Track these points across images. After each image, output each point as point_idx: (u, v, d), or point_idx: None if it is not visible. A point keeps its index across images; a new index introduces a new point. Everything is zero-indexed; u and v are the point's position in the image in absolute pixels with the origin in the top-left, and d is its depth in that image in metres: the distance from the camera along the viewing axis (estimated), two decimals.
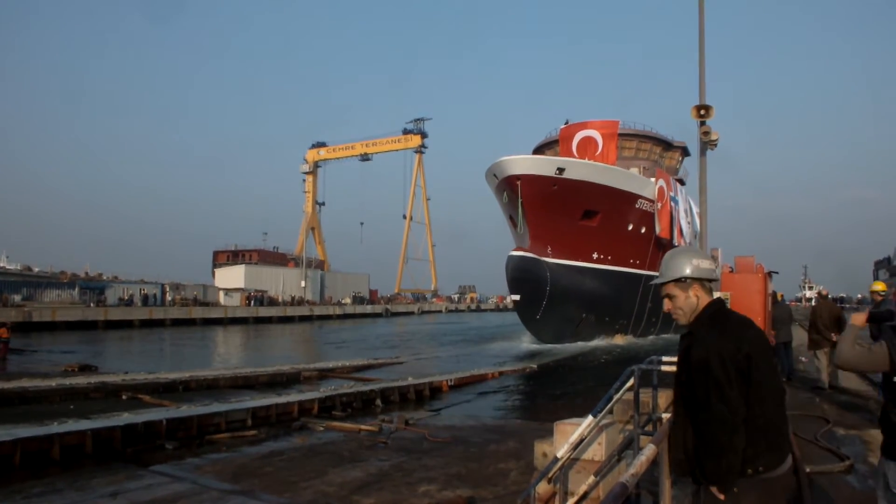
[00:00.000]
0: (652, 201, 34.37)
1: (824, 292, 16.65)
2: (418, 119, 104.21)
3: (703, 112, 10.76)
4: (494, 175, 30.76)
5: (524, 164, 29.58)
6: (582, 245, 30.70)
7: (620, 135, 37.80)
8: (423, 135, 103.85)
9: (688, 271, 2.65)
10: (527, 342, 35.44)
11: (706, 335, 2.48)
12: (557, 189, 29.18)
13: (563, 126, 38.18)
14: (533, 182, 28.80)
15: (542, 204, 29.16)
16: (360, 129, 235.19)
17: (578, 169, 30.12)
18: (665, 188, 35.07)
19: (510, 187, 29.32)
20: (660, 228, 34.69)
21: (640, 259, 33.92)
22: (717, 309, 2.60)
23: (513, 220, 31.03)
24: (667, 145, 43.96)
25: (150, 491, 7.48)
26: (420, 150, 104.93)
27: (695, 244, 30.23)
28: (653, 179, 35.29)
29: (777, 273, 11.15)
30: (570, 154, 35.39)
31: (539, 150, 43.86)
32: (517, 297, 31.78)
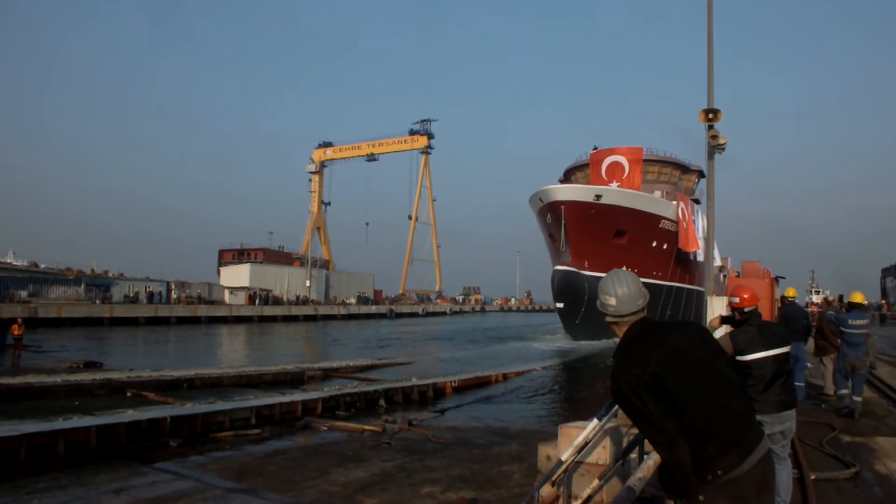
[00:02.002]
0: (673, 221, 38.92)
1: (830, 298, 16.61)
2: (424, 120, 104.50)
3: (711, 116, 10.72)
4: (540, 199, 35.10)
5: (567, 192, 34.51)
6: (614, 260, 34.05)
7: (644, 160, 42.49)
8: (430, 136, 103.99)
9: (600, 308, 2.72)
10: (538, 343, 37.50)
11: (616, 366, 2.48)
12: (595, 213, 33.64)
13: (592, 151, 43.10)
14: (574, 207, 33.30)
15: (582, 225, 33.49)
16: (367, 130, 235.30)
17: (612, 196, 34.85)
18: (686, 210, 39.56)
19: (554, 211, 33.64)
20: (682, 244, 39.20)
21: (662, 272, 38.54)
22: (629, 336, 2.58)
23: (553, 237, 35.53)
24: (685, 169, 49.12)
25: (154, 488, 7.50)
26: (426, 150, 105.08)
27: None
28: (674, 202, 39.85)
29: (784, 278, 11.13)
30: (600, 177, 40.34)
31: (570, 172, 49.48)
32: (561, 305, 35.94)
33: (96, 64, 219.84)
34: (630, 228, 35.87)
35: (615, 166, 40.67)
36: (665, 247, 38.85)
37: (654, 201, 38.57)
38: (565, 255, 34.58)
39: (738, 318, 5.03)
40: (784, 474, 4.79)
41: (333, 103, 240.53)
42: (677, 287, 39.64)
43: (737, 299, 5.02)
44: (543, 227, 37.50)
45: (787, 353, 4.76)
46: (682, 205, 39.46)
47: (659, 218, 38.04)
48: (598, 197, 33.97)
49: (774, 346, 4.69)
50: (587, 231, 33.80)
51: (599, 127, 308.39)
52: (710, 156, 11.36)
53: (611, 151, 41.56)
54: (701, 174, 49.61)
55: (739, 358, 4.76)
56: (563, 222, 33.31)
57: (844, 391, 9.98)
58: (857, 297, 10.40)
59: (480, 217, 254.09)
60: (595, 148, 43.28)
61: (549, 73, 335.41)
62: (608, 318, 2.68)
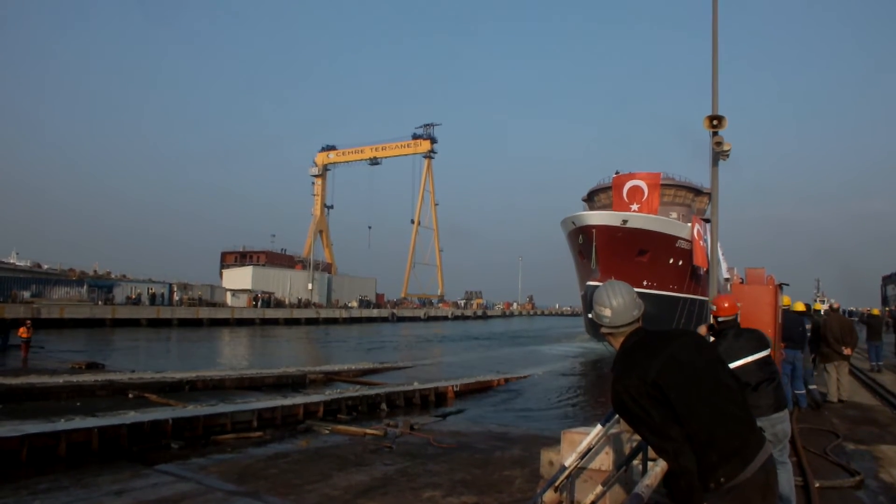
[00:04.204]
0: (688, 241, 44.22)
1: (835, 305, 16.65)
2: (428, 124, 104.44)
3: (715, 123, 10.68)
4: (573, 223, 40.18)
5: (598, 217, 39.68)
6: (636, 275, 38.18)
7: (661, 184, 47.96)
8: (433, 140, 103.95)
9: (595, 320, 2.74)
10: (546, 347, 40.67)
11: (616, 377, 2.48)
12: (621, 235, 38.52)
13: (614, 175, 48.87)
14: (604, 230, 38.29)
15: (610, 246, 38.13)
16: (370, 134, 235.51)
17: (636, 220, 40.00)
18: (700, 230, 44.56)
19: (586, 234, 38.62)
20: (696, 261, 44.15)
21: (678, 285, 43.29)
22: (627, 347, 2.58)
23: (582, 254, 40.44)
24: (697, 192, 54.47)
25: (156, 490, 7.49)
26: (429, 155, 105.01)
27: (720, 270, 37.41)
28: (689, 224, 45.30)
29: (787, 285, 11.09)
30: (621, 199, 45.76)
31: (594, 193, 55.61)
32: (591, 315, 42.55)
33: (99, 64, 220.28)
34: (651, 248, 40.67)
35: (635, 190, 45.76)
36: (681, 263, 43.72)
37: (671, 224, 44.08)
38: (595, 272, 38.41)
39: (717, 327, 5.16)
40: (784, 478, 4.82)
41: (336, 107, 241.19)
42: (691, 298, 44.12)
43: (715, 307, 5.20)
44: (574, 246, 42.56)
45: (768, 357, 4.85)
46: (697, 226, 44.89)
47: (676, 238, 43.24)
48: (625, 221, 39.03)
49: (753, 352, 4.82)
50: (615, 251, 38.31)
51: (601, 129, 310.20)
52: (715, 162, 11.32)
53: (631, 176, 46.95)
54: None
55: None
56: (594, 244, 38.00)
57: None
58: (799, 306, 11.77)
59: (483, 221, 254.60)
60: (617, 172, 48.96)
61: (550, 76, 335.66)
62: (603, 330, 2.68)
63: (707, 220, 51.57)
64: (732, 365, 4.80)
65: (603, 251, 38.33)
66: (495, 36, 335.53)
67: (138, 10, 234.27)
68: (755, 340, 4.90)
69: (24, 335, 22.94)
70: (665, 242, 42.12)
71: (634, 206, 44.20)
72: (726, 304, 5.13)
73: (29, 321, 25.01)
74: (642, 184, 45.83)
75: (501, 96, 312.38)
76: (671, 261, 43.22)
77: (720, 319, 5.12)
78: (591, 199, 55.09)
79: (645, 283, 39.57)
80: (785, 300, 11.31)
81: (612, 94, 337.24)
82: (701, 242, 44.31)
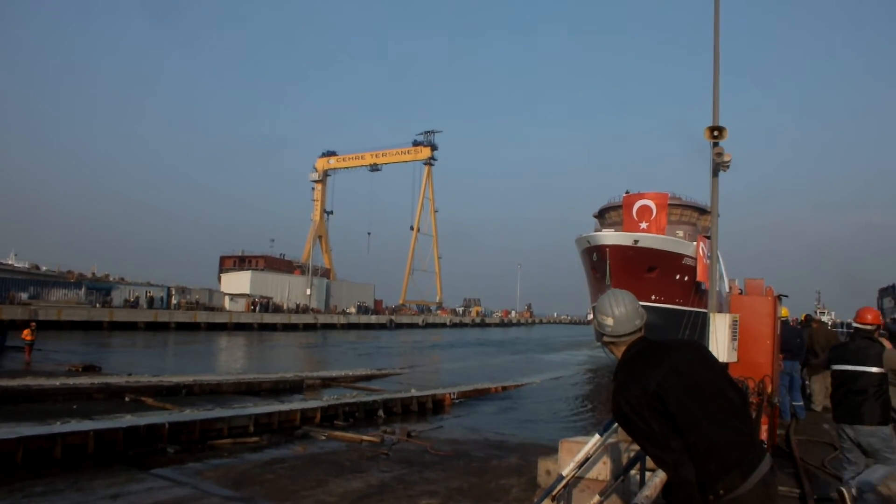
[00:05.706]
0: (693, 258, 47.65)
1: (821, 319, 16.94)
2: (428, 131, 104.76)
3: (716, 133, 10.72)
4: (588, 241, 43.77)
5: (612, 238, 43.03)
6: (646, 290, 40.94)
7: (669, 204, 51.70)
8: (433, 147, 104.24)
9: (597, 328, 2.72)
10: (549, 355, 42.54)
11: (617, 387, 2.48)
12: (632, 253, 41.77)
13: (625, 194, 52.34)
14: (617, 249, 41.47)
15: (622, 263, 41.06)
16: (370, 140, 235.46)
17: (646, 240, 43.52)
18: (704, 249, 47.37)
19: (600, 252, 41.71)
20: (700, 277, 47.10)
21: (683, 299, 46.28)
22: (629, 356, 2.57)
23: (595, 270, 43.34)
24: (702, 211, 57.03)
25: (151, 494, 7.47)
26: (429, 161, 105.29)
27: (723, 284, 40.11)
28: (694, 243, 48.61)
29: (786, 296, 11.09)
30: (631, 217, 49.26)
31: (605, 211, 59.12)
32: None
33: (99, 65, 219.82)
34: (659, 265, 43.73)
35: (644, 209, 49.43)
36: (686, 279, 46.88)
37: (678, 243, 47.38)
38: (608, 288, 40.89)
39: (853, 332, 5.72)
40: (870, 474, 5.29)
41: (337, 112, 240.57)
42: (696, 312, 46.44)
43: (856, 315, 5.70)
44: (587, 262, 45.79)
45: (860, 371, 5.24)
46: (701, 245, 47.93)
47: (682, 256, 46.48)
48: (636, 241, 42.56)
49: (873, 365, 5.25)
50: (626, 268, 41.10)
51: (602, 133, 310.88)
52: (715, 173, 11.36)
53: (641, 196, 50.64)
54: None
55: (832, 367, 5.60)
56: (607, 261, 40.92)
57: None
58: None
59: (482, 227, 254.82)
60: (627, 192, 52.45)
61: (551, 79, 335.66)
62: (605, 339, 2.65)
63: (709, 237, 54.34)
64: (851, 368, 5.33)
65: (616, 268, 41.30)
66: (496, 41, 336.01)
67: (138, 12, 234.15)
68: (876, 356, 5.29)
69: (28, 338, 22.42)
70: (672, 260, 45.34)
71: (644, 224, 48.00)
72: (869, 316, 5.57)
73: (34, 323, 24.46)
74: (651, 203, 49.67)
75: (502, 100, 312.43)
76: (677, 277, 46.44)
77: (855, 325, 5.60)
78: (602, 217, 58.23)
79: (653, 297, 42.58)
80: (784, 312, 11.35)
81: (612, 96, 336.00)
82: (705, 260, 47.12)
